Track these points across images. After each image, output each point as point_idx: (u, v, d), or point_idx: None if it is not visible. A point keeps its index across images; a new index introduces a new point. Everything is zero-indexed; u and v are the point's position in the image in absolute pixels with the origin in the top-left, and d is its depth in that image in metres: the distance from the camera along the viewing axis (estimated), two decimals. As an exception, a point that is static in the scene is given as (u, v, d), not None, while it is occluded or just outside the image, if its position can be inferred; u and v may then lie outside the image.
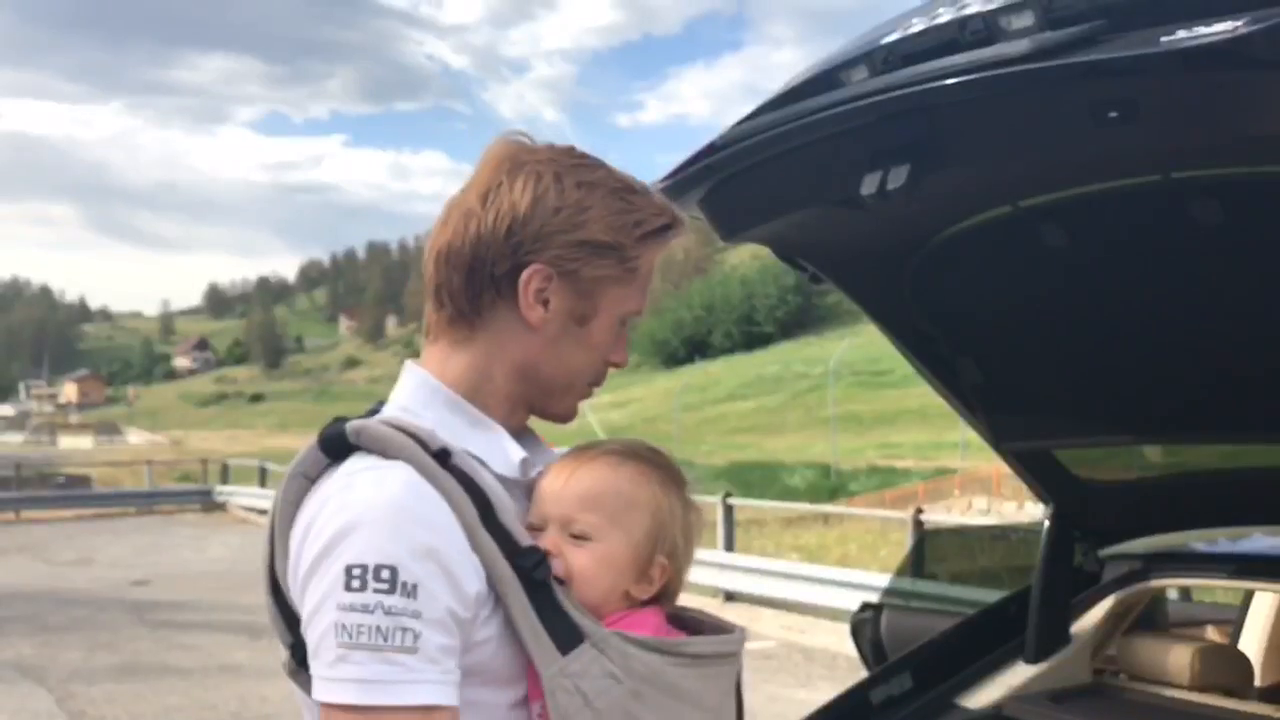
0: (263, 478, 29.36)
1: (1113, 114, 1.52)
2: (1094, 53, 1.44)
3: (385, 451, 1.35)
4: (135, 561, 18.04)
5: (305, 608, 1.31)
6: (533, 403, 1.50)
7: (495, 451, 1.43)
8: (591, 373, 1.50)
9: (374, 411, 1.48)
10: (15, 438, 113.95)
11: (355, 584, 1.25)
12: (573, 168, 1.45)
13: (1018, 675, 2.89)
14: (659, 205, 1.49)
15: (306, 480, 1.37)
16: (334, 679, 1.26)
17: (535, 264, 1.41)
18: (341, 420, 1.41)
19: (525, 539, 1.36)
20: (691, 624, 1.49)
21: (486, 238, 1.42)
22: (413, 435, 1.35)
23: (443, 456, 1.34)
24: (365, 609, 1.25)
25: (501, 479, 1.40)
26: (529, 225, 1.41)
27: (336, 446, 1.37)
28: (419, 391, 1.47)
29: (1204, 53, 1.34)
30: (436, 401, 1.45)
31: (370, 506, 1.29)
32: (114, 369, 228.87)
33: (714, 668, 1.41)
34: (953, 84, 1.56)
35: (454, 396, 1.45)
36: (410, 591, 1.26)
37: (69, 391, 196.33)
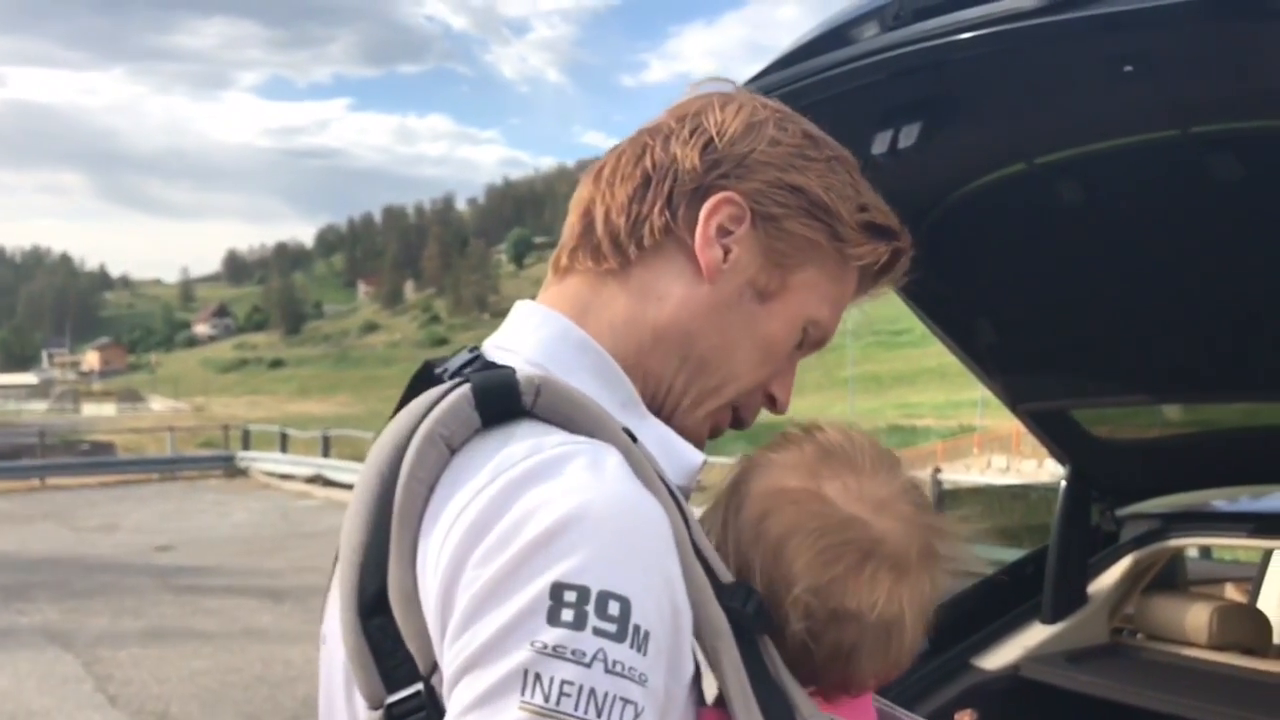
0: (284, 443, 29.50)
1: (1128, 68, 1.49)
2: (1108, 5, 1.41)
3: (574, 422, 0.91)
4: (159, 527, 18.18)
5: (465, 640, 0.83)
6: (669, 393, 1.06)
7: (665, 450, 1.01)
8: (749, 381, 1.07)
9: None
10: (39, 405, 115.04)
11: (567, 615, 0.81)
12: (798, 118, 1.10)
13: (1035, 635, 2.89)
14: (888, 208, 1.11)
15: (448, 450, 0.90)
16: None
17: (729, 191, 1.03)
18: (486, 364, 0.98)
19: (725, 570, 0.95)
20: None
21: (673, 150, 1.04)
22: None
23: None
24: (579, 658, 0.80)
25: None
26: (735, 145, 1.04)
27: (501, 404, 0.91)
28: (556, 347, 1.02)
29: (1220, 3, 1.31)
30: (583, 365, 1.01)
31: (596, 501, 0.85)
32: (135, 336, 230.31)
33: None
34: (965, 39, 1.53)
35: (608, 361, 1.02)
36: (642, 642, 0.82)
37: (91, 359, 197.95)
